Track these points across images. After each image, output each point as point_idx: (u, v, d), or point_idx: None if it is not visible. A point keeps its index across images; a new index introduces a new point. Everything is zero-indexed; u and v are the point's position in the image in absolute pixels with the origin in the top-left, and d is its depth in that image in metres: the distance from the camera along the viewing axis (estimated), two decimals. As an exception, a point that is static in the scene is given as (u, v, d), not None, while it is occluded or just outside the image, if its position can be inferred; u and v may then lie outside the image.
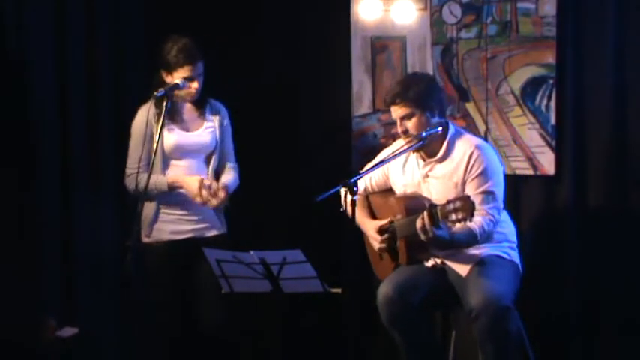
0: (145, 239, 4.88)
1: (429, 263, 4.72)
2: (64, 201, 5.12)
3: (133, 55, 5.45)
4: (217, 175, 4.94)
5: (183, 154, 4.87)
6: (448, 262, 4.67)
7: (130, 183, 4.82)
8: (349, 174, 4.54)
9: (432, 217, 4.35)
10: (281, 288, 4.38)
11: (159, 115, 4.74)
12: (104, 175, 5.30)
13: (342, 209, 4.51)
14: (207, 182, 4.79)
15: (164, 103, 4.72)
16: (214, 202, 4.78)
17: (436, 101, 4.64)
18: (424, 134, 4.61)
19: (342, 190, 4.55)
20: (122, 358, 5.36)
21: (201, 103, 4.92)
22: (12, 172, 4.90)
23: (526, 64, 5.25)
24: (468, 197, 4.32)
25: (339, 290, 4.38)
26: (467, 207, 4.26)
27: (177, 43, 4.81)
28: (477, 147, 4.62)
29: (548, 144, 5.25)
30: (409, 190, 4.73)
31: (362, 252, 5.05)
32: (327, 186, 4.40)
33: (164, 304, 4.90)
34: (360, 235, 4.98)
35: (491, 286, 4.43)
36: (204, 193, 4.76)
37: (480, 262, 4.60)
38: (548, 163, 5.25)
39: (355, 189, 4.33)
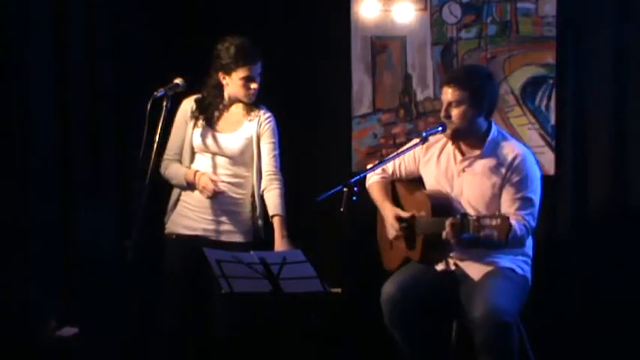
0: (165, 230, 4.92)
1: (439, 267, 4.69)
2: (64, 201, 5.13)
3: (134, 55, 5.45)
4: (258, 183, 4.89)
5: (208, 152, 4.86)
6: (462, 264, 4.64)
7: (162, 167, 4.87)
8: (349, 174, 4.54)
9: (462, 226, 4.28)
10: (281, 288, 4.38)
11: (193, 112, 4.85)
12: (104, 175, 5.30)
13: (341, 209, 4.49)
14: (209, 178, 4.79)
15: (164, 104, 4.72)
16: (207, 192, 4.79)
17: (488, 102, 4.57)
18: (424, 134, 4.60)
19: (372, 176, 4.53)
20: (122, 358, 5.36)
21: (248, 107, 4.89)
22: (12, 172, 4.90)
23: (526, 64, 5.26)
24: (507, 218, 4.20)
25: (339, 290, 4.38)
26: (504, 227, 4.16)
27: (234, 43, 4.78)
28: (522, 152, 4.56)
29: (548, 144, 5.25)
30: (441, 181, 4.66)
31: (362, 252, 5.05)
32: (327, 186, 4.40)
33: (175, 296, 4.91)
34: (360, 234, 4.98)
35: (496, 300, 4.38)
36: (206, 186, 4.77)
37: (492, 272, 4.55)
38: (548, 163, 5.25)
39: (355, 189, 4.31)
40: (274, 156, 4.87)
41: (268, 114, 4.91)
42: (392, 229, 4.73)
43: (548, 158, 5.24)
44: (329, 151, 5.57)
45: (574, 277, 5.21)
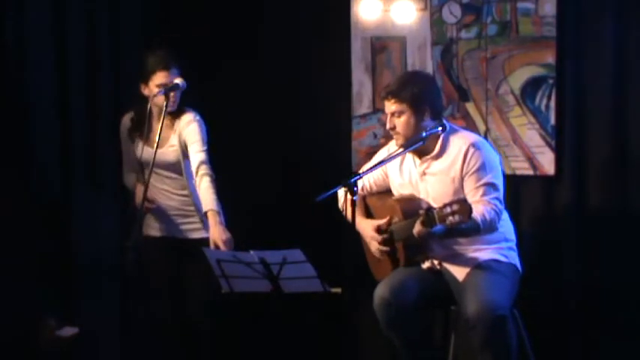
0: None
1: (425, 265, 4.71)
2: (64, 201, 5.13)
3: (134, 53, 5.44)
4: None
5: (152, 167, 4.84)
6: (446, 265, 4.65)
7: (125, 179, 4.98)
8: (349, 174, 4.54)
9: (429, 220, 4.36)
10: (281, 288, 4.38)
11: (133, 125, 4.87)
12: (104, 175, 5.30)
13: (341, 209, 4.50)
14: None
15: (164, 103, 4.72)
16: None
17: (430, 104, 4.61)
18: (424, 134, 4.61)
19: (341, 191, 4.57)
20: (122, 358, 5.36)
21: (175, 117, 4.88)
22: (12, 172, 4.90)
23: (526, 64, 5.25)
24: (465, 200, 4.32)
25: (339, 290, 4.38)
26: (464, 209, 4.26)
27: (152, 52, 4.83)
28: (473, 142, 4.60)
29: (548, 144, 5.25)
30: (406, 190, 4.72)
31: (362, 252, 5.04)
32: (327, 186, 4.40)
33: (159, 297, 4.94)
34: (359, 234, 4.98)
35: (487, 295, 4.41)
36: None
37: (477, 267, 4.57)
38: (548, 163, 5.25)
39: (355, 189, 4.32)
40: (200, 151, 4.83)
41: (189, 117, 4.88)
42: (373, 243, 4.74)
43: (548, 158, 5.24)
44: (329, 151, 5.57)
45: (574, 278, 5.21)
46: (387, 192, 4.85)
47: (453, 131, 4.67)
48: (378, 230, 4.72)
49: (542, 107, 5.25)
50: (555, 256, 5.22)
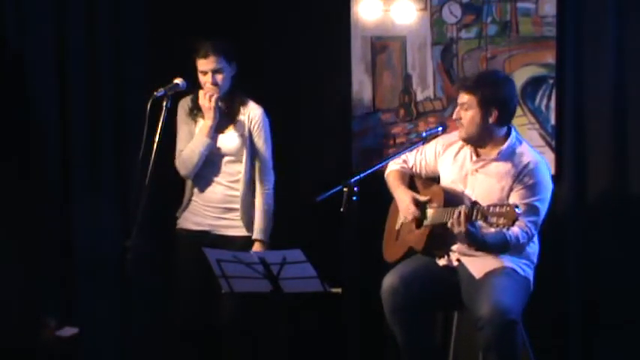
0: (177, 225, 5.02)
1: (441, 262, 4.70)
2: (64, 200, 5.13)
3: (134, 54, 5.45)
4: (253, 178, 4.96)
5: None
6: (464, 260, 4.64)
7: (178, 163, 4.95)
8: (349, 174, 4.54)
9: (471, 213, 4.33)
10: (281, 288, 4.39)
11: (191, 108, 4.94)
12: (104, 174, 5.30)
13: (341, 209, 4.49)
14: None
15: (164, 104, 4.74)
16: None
17: (499, 107, 4.56)
18: (424, 134, 4.62)
19: (392, 163, 4.61)
20: (122, 358, 5.36)
21: (231, 103, 4.94)
22: (12, 172, 4.90)
23: (526, 64, 5.26)
24: (516, 206, 4.27)
25: (339, 290, 4.38)
26: (510, 215, 4.22)
27: (196, 40, 4.89)
28: (534, 160, 4.58)
29: (548, 144, 5.25)
30: (455, 179, 4.69)
31: (362, 252, 5.04)
32: (327, 186, 4.40)
33: (185, 291, 4.96)
34: (360, 234, 4.98)
35: (501, 298, 4.40)
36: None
37: (495, 271, 4.56)
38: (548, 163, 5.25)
39: (355, 189, 4.32)
40: (268, 152, 4.97)
41: (258, 109, 4.97)
42: (406, 212, 4.72)
43: (548, 158, 5.22)
44: (329, 151, 5.57)
45: (574, 277, 5.21)
46: (434, 179, 4.84)
47: (520, 143, 4.65)
48: (416, 202, 4.70)
49: (542, 107, 5.25)
50: (555, 255, 5.21)
